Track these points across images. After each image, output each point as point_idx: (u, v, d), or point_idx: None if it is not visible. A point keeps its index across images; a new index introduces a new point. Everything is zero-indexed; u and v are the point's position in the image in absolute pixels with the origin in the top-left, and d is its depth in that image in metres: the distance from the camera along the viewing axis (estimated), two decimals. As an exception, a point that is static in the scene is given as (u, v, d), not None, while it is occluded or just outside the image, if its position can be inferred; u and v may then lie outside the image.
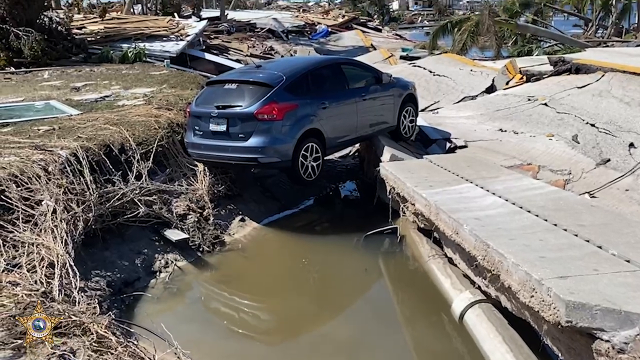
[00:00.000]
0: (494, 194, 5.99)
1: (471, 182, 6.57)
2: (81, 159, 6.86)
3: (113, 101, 10.44)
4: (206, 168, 8.38)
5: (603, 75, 10.87)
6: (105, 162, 7.21)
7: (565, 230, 4.71)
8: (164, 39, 20.09)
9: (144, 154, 7.81)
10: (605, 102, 9.86)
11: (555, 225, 4.85)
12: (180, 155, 8.46)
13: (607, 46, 21.91)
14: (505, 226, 4.93)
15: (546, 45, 23.87)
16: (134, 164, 7.56)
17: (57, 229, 5.65)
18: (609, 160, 8.19)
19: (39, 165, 6.42)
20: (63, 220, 5.80)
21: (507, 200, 5.71)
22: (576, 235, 4.57)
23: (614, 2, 27.09)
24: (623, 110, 9.35)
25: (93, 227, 6.32)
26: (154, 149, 7.93)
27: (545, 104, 10.74)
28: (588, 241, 4.43)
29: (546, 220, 4.99)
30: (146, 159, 7.79)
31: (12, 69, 15.35)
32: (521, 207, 5.41)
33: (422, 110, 12.41)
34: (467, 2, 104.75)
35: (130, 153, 7.66)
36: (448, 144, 10.04)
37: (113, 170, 7.21)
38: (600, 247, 4.29)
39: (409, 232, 7.30)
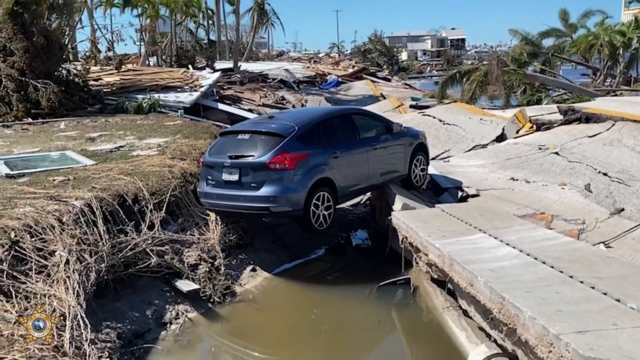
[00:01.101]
0: (507, 244, 5.94)
1: (484, 232, 6.53)
2: (95, 210, 6.91)
3: (127, 151, 10.60)
4: (218, 217, 8.41)
5: (613, 125, 10.92)
6: (119, 212, 7.26)
7: (582, 282, 4.64)
8: (178, 89, 20.55)
9: (157, 203, 7.86)
10: (616, 151, 9.86)
11: (572, 277, 4.78)
12: (193, 204, 8.51)
13: (617, 95, 22.07)
14: (520, 278, 4.86)
15: (555, 94, 24.09)
16: (147, 213, 7.60)
17: (69, 280, 5.65)
18: (622, 209, 8.13)
19: (54, 215, 6.47)
20: (76, 271, 5.80)
21: (521, 251, 5.65)
22: (593, 288, 4.49)
23: (621, 52, 27.44)
24: (635, 159, 9.34)
25: (105, 277, 6.31)
26: (167, 198, 7.98)
27: (557, 153, 10.76)
28: (605, 294, 4.35)
29: (562, 272, 4.92)
30: (159, 208, 7.83)
31: (30, 120, 15.70)
32: (536, 258, 5.35)
33: (433, 159, 12.47)
34: (475, 51, 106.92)
35: (144, 203, 7.72)
36: (460, 193, 10.02)
37: (126, 220, 7.25)
38: (618, 300, 4.21)
39: (422, 283, 7.21)
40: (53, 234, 6.18)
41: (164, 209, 7.86)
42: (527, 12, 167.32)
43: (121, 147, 11.09)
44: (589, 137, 10.98)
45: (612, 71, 28.70)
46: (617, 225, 7.81)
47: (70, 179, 8.19)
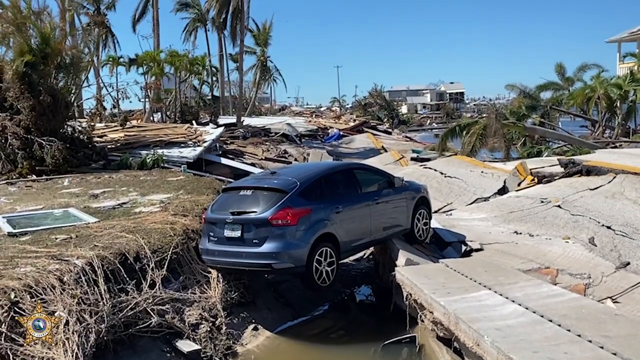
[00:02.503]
0: (513, 301, 5.86)
1: (489, 289, 6.45)
2: (96, 268, 6.87)
3: (130, 208, 10.61)
4: (220, 274, 8.33)
5: (615, 177, 10.95)
6: (120, 270, 7.21)
7: (590, 341, 4.55)
8: (182, 145, 20.76)
9: (159, 261, 7.81)
10: (619, 204, 9.85)
11: (579, 336, 4.69)
12: (195, 262, 8.45)
13: (616, 147, 22.23)
14: (527, 337, 4.77)
15: (555, 146, 24.29)
16: (149, 272, 7.54)
17: (68, 341, 5.56)
18: (628, 263, 8.05)
19: (54, 275, 6.42)
20: (75, 332, 5.72)
21: (527, 308, 5.57)
22: (602, 348, 4.40)
23: (618, 104, 27.84)
24: (638, 212, 9.33)
25: (105, 338, 6.20)
26: (168, 256, 7.94)
27: (559, 206, 10.75)
28: (615, 354, 4.26)
29: (569, 330, 4.83)
30: (160, 266, 7.78)
31: (34, 177, 15.80)
32: (542, 316, 5.27)
33: (436, 212, 12.45)
34: (474, 104, 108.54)
35: (145, 261, 7.67)
36: (463, 247, 9.96)
37: (127, 279, 7.19)
38: (628, 361, 4.12)
39: (428, 341, 7.07)
40: (53, 294, 6.13)
41: (165, 266, 7.81)
42: (524, 67, 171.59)
43: (124, 203, 11.12)
44: (590, 189, 10.99)
45: (610, 123, 29.04)
46: (624, 279, 7.71)
47: (73, 237, 8.17)
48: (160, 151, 19.19)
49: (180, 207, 10.13)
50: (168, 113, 33.47)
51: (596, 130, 28.66)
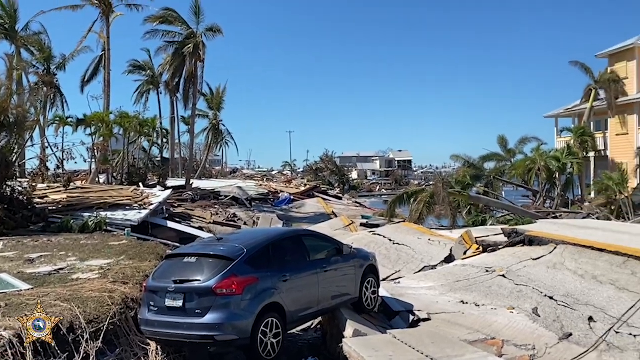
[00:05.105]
0: (460, 376, 5.79)
1: (437, 362, 6.37)
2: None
3: (67, 274, 10.11)
4: (159, 347, 7.93)
5: (555, 248, 11.28)
6: (52, 343, 6.75)
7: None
8: (127, 207, 20.26)
9: (94, 332, 7.38)
10: (560, 275, 10.10)
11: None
12: (133, 333, 8.03)
13: (556, 217, 23.12)
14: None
15: (499, 215, 25.08)
16: (82, 344, 7.10)
17: None
18: (570, 334, 8.17)
19: (-23, 349, 5.95)
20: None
21: (474, 383, 5.50)
22: None
23: (557, 176, 29.20)
24: (578, 283, 9.57)
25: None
26: (104, 327, 7.52)
27: (504, 276, 10.93)
28: None
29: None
30: (96, 338, 7.34)
31: (-34, 239, 14.98)
32: (489, 392, 5.21)
33: (384, 280, 12.43)
34: (422, 172, 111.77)
35: (80, 332, 7.23)
36: (411, 317, 9.90)
37: (59, 352, 6.73)
38: None
39: (375, 417, 6.85)
40: (-27, 370, 5.65)
41: (101, 338, 7.37)
42: (469, 138, 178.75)
43: (61, 269, 10.59)
44: (533, 259, 11.26)
45: (550, 193, 30.33)
46: (567, 351, 7.79)
47: (2, 305, 7.66)
48: (104, 214, 18.64)
49: (120, 274, 9.73)
50: (115, 174, 32.79)
51: (537, 201, 29.83)
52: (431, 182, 30.13)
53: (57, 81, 38.49)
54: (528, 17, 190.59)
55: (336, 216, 29.43)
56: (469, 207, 26.34)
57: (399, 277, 13.47)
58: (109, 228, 17.59)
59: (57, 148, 29.82)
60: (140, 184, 28.24)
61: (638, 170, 29.03)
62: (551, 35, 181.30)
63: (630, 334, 7.80)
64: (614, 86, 32.08)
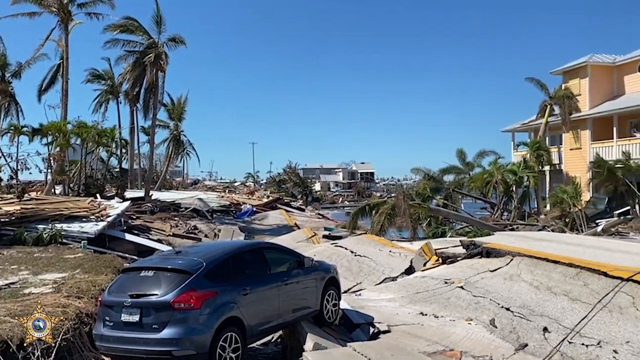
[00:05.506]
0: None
1: (395, 374, 6.39)
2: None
3: (19, 288, 9.80)
4: (115, 363, 7.73)
5: (512, 260, 11.51)
6: (-1, 361, 6.52)
7: None
8: (84, 219, 19.78)
9: (46, 349, 7.15)
10: (516, 286, 10.31)
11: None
12: (87, 349, 7.84)
13: (513, 229, 23.63)
14: None
15: (458, 227, 25.47)
16: (33, 361, 6.86)
17: None
18: (526, 345, 8.32)
19: None
20: None
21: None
22: None
23: (514, 189, 29.91)
24: (533, 294, 9.78)
25: None
26: (57, 343, 7.29)
27: (462, 287, 11.09)
28: None
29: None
30: (47, 355, 7.12)
31: None
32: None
33: (345, 292, 12.44)
34: (384, 184, 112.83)
35: (30, 349, 6.99)
36: (372, 329, 9.91)
37: (7, 370, 6.50)
38: None
39: None
40: None
41: (52, 355, 7.15)
42: (429, 151, 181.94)
43: (12, 283, 10.26)
44: (490, 271, 11.46)
45: (507, 206, 31.02)
46: (523, 361, 7.93)
47: (-54, 322, 7.36)
48: (59, 226, 18.16)
49: (75, 288, 9.50)
50: (72, 185, 31.94)
51: (495, 213, 30.48)
52: (393, 194, 30.38)
53: (12, 89, 37.29)
54: (492, 33, 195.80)
55: (299, 228, 29.40)
56: (429, 219, 26.69)
57: (360, 289, 13.51)
58: (64, 240, 17.16)
59: (11, 158, 28.90)
60: (98, 195, 27.59)
61: (590, 183, 29.98)
62: (512, 52, 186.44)
63: (583, 344, 8.00)
64: (567, 102, 33.14)
